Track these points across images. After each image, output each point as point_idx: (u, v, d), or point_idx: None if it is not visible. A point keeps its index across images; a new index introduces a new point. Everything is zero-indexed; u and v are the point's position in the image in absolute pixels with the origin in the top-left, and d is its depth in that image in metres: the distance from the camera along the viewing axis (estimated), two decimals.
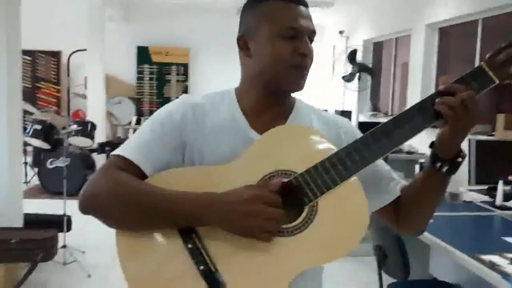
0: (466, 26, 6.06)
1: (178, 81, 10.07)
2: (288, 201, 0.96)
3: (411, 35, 7.03)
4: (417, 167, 4.26)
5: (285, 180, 0.97)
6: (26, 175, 6.47)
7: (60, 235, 3.66)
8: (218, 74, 9.60)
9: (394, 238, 2.27)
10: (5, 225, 3.48)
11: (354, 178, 0.98)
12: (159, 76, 9.96)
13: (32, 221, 3.79)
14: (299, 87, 1.07)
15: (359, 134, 1.14)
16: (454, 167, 1.03)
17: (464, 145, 3.67)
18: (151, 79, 9.96)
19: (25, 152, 6.53)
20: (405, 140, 1.03)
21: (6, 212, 3.53)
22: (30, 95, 9.32)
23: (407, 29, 7.16)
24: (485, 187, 3.39)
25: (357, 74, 6.81)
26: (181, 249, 0.95)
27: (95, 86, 8.16)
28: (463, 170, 3.43)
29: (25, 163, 6.37)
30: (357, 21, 9.31)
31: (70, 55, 9.39)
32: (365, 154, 0.99)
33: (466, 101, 0.96)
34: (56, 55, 9.56)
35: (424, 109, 1.01)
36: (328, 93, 10.39)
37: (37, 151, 6.62)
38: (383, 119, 7.52)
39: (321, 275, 1.14)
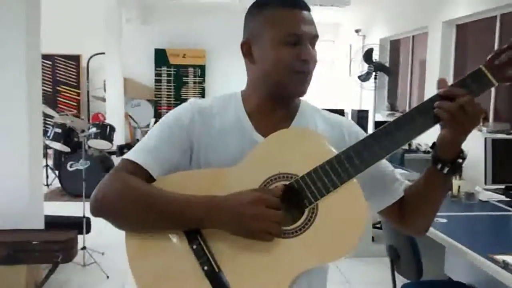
0: (484, 22, 5.98)
1: (195, 82, 10.14)
2: (290, 203, 0.99)
3: (428, 32, 6.96)
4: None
5: (287, 183, 1.00)
6: (47, 177, 6.61)
7: (80, 237, 3.74)
8: (235, 75, 9.58)
9: (407, 238, 2.27)
10: (26, 227, 3.57)
11: (354, 180, 1.00)
12: (176, 78, 10.05)
13: (53, 223, 3.87)
14: (301, 92, 1.10)
15: (362, 135, 1.16)
16: (454, 168, 1.05)
17: (480, 144, 3.62)
18: (168, 81, 10.05)
19: (46, 155, 6.68)
20: (405, 141, 1.04)
21: (28, 214, 3.62)
22: (51, 99, 9.51)
23: (424, 26, 7.10)
24: (502, 186, 3.35)
25: (373, 73, 6.77)
26: (187, 250, 0.99)
27: (114, 89, 8.29)
28: (479, 169, 3.41)
29: (46, 165, 6.51)
30: (374, 20, 9.26)
31: (89, 59, 9.57)
32: (365, 157, 1.00)
33: (465, 106, 0.97)
34: (75, 59, 9.72)
35: (424, 112, 1.02)
36: (345, 92, 10.34)
37: (58, 154, 6.75)
38: None
39: (326, 274, 1.16)
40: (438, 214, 2.63)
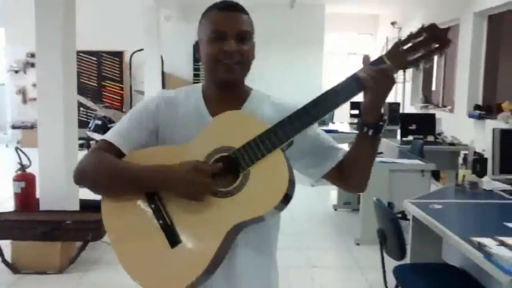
0: None
1: None
2: (228, 170, 1.22)
3: (460, 24, 6.90)
4: (460, 159, 4.28)
5: (226, 154, 1.23)
6: None
7: None
8: (273, 68, 9.84)
9: (392, 221, 2.41)
10: (63, 208, 3.95)
11: (278, 150, 1.20)
12: None
13: (88, 205, 4.22)
14: (229, 78, 1.29)
15: None
16: (377, 129, 1.24)
17: (488, 135, 3.66)
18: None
19: (88, 145, 7.15)
20: (331, 110, 1.22)
21: (64, 198, 4.00)
22: (96, 93, 10.07)
23: (457, 18, 7.04)
24: (511, 176, 3.38)
25: None
26: (147, 208, 1.25)
27: (153, 84, 8.67)
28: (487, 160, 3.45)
29: None
30: (408, 12, 9.20)
31: (132, 55, 10.04)
32: (287, 130, 1.20)
33: (387, 71, 1.16)
34: (119, 55, 10.23)
35: (351, 82, 1.20)
36: None
37: None
38: (433, 111, 7.44)
39: (269, 236, 1.37)
40: (434, 200, 2.77)
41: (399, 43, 1.19)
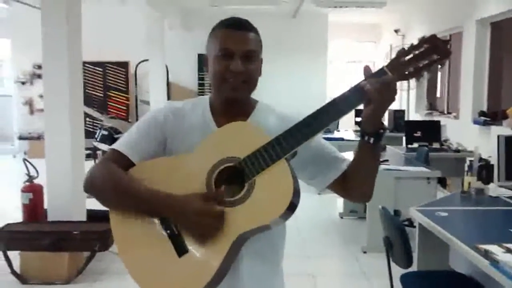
0: None
1: None
2: (234, 180, 1.24)
3: (463, 31, 6.92)
4: (466, 166, 4.27)
5: (231, 164, 1.24)
6: None
7: None
8: (277, 77, 9.87)
9: (398, 229, 2.42)
10: (70, 219, 3.97)
11: (283, 160, 1.21)
12: None
13: (95, 216, 4.25)
14: (234, 96, 1.32)
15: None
16: (378, 137, 1.26)
17: (494, 141, 3.66)
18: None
19: (95, 156, 7.19)
20: (332, 121, 1.23)
21: (71, 208, 4.02)
22: (102, 103, 10.13)
23: (460, 26, 7.05)
24: None
25: None
26: (155, 220, 1.27)
27: (158, 93, 8.72)
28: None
29: None
30: (412, 20, 9.24)
31: (137, 65, 10.11)
32: (291, 140, 1.22)
33: (391, 84, 1.18)
34: (124, 65, 10.30)
35: (355, 93, 1.22)
36: None
37: None
38: (438, 118, 7.44)
39: (277, 244, 1.39)
40: (440, 207, 2.77)
41: (400, 54, 1.20)
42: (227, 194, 1.23)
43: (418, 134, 5.93)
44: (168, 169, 1.29)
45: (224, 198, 1.22)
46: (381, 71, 1.20)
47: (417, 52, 1.19)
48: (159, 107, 1.43)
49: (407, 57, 1.19)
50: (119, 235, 1.30)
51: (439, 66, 1.22)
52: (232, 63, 1.29)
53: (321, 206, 5.95)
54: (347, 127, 8.35)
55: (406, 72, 1.19)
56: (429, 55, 1.18)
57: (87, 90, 9.79)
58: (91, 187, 1.32)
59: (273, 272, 1.40)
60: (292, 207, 1.18)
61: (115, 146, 1.36)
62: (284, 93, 9.60)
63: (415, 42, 1.20)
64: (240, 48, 1.30)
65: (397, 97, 1.23)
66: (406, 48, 1.20)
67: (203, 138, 1.31)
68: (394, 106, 9.29)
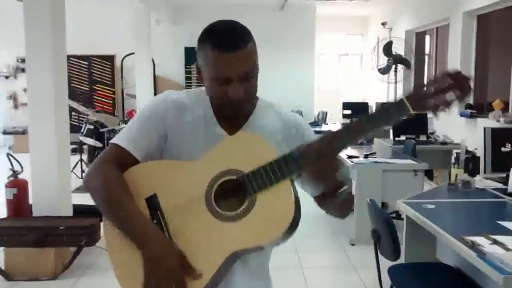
0: (506, 12, 5.94)
1: None
2: (235, 193, 1.20)
3: (449, 23, 6.95)
4: (452, 158, 4.30)
5: (234, 177, 1.21)
6: (82, 172, 7.00)
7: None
8: (265, 70, 9.77)
9: (385, 222, 2.42)
10: (56, 214, 3.92)
11: (286, 181, 1.18)
12: None
13: (81, 211, 4.20)
14: (234, 112, 1.27)
15: (307, 130, 1.37)
16: (341, 193, 1.23)
17: (480, 134, 3.68)
18: (198, 78, 10.38)
19: (81, 150, 7.11)
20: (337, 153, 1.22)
21: (57, 203, 3.97)
22: (87, 97, 10.03)
23: (446, 18, 7.08)
24: (504, 175, 3.40)
25: (393, 66, 6.82)
26: None
27: (144, 87, 8.65)
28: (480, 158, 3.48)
29: (81, 160, 6.91)
30: (398, 12, 9.25)
31: (122, 59, 10.01)
32: (299, 162, 1.18)
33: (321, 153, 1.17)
34: (110, 59, 10.19)
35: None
36: (371, 85, 10.35)
37: (92, 149, 7.15)
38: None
39: (265, 260, 1.37)
40: (427, 200, 2.78)
41: (421, 86, 1.17)
42: (225, 207, 1.20)
43: (405, 127, 5.95)
44: (171, 173, 1.25)
45: (222, 210, 1.19)
46: (401, 103, 1.17)
47: (439, 86, 1.16)
48: (159, 97, 1.35)
49: (428, 90, 1.16)
50: (112, 245, 1.25)
51: (459, 102, 1.19)
52: (230, 89, 1.21)
53: (309, 198, 5.93)
54: (335, 119, 8.37)
55: (425, 105, 1.16)
56: (450, 90, 1.15)
57: (72, 84, 9.69)
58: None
59: (264, 284, 1.38)
60: (289, 231, 1.16)
61: (116, 141, 1.30)
62: (272, 86, 9.56)
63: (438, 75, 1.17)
64: (237, 72, 1.20)
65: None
66: (428, 81, 1.17)
67: (205, 136, 1.28)
68: (381, 99, 9.35)
